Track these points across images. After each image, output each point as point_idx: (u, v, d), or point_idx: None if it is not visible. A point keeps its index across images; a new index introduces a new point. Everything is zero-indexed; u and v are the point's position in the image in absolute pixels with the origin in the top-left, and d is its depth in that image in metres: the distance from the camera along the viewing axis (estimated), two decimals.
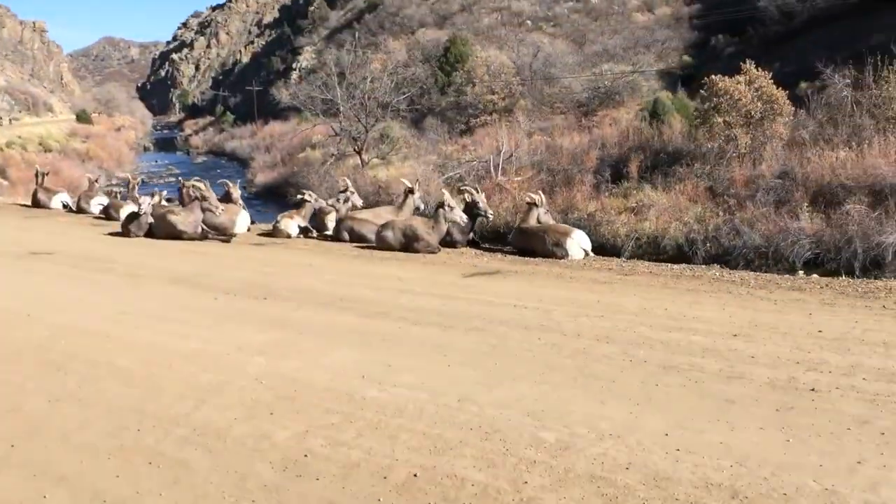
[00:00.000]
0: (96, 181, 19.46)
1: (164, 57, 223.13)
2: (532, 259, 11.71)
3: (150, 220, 14.04)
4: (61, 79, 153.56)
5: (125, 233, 14.37)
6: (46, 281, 10.22)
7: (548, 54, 41.31)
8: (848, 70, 25.24)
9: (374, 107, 32.95)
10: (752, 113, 22.29)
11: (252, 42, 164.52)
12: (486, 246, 14.40)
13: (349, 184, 16.02)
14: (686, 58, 46.17)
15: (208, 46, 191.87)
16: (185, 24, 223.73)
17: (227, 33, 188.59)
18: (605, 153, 26.16)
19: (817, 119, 23.72)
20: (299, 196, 15.82)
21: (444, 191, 13.83)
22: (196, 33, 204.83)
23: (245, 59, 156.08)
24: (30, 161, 41.47)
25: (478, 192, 13.44)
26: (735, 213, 19.29)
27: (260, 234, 15.18)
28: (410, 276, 10.21)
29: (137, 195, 16.43)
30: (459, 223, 12.56)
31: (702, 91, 23.81)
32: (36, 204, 19.07)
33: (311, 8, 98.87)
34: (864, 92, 23.00)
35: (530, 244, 12.26)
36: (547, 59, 40.70)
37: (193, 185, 13.87)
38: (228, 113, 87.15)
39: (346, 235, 13.84)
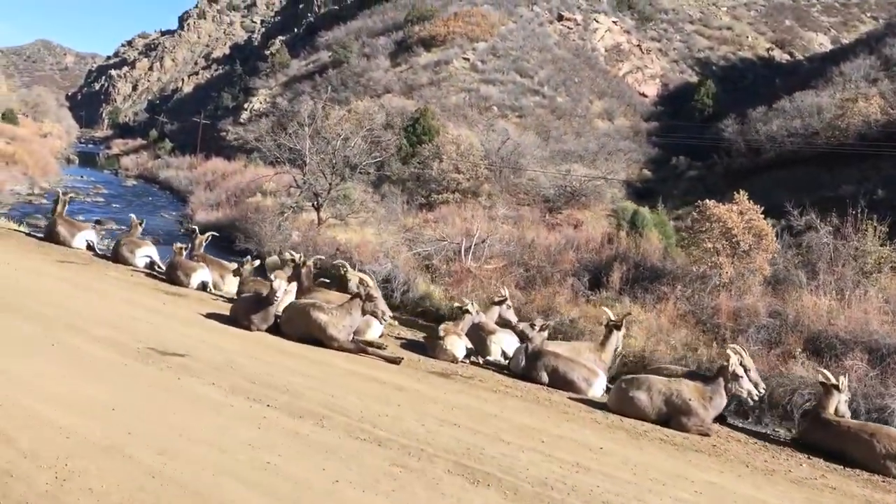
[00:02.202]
0: (141, 223, 14.58)
1: (102, 71, 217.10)
2: None
3: (277, 310, 10.32)
4: None
5: (241, 323, 10.42)
6: (243, 436, 6.24)
7: (517, 143, 41.02)
8: (827, 217, 25.49)
9: (343, 165, 31.63)
10: (741, 244, 22.00)
11: (197, 73, 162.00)
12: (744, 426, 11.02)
13: (506, 294, 12.92)
14: (646, 171, 46.85)
15: (150, 69, 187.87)
16: (130, 43, 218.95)
17: (173, 60, 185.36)
18: (580, 256, 25.47)
19: (794, 262, 23.68)
20: (456, 305, 12.03)
21: (730, 351, 9.82)
22: (140, 54, 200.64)
23: (187, 89, 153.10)
24: None
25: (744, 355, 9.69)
26: (725, 344, 18.63)
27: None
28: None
29: (247, 269, 12.71)
30: (748, 397, 9.21)
31: (693, 213, 23.43)
32: (53, 238, 14.61)
33: (270, 52, 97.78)
34: (846, 242, 23.12)
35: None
36: (515, 149, 40.38)
37: (361, 280, 10.25)
38: (167, 140, 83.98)
39: (543, 376, 10.31)
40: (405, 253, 25.82)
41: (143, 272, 13.07)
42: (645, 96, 69.46)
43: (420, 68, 60.77)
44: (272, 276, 10.74)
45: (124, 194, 54.71)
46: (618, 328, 11.18)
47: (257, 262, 12.87)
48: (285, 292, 10.46)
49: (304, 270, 12.17)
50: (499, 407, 8.41)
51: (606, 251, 25.57)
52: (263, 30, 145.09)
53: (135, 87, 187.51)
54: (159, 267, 13.39)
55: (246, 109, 73.14)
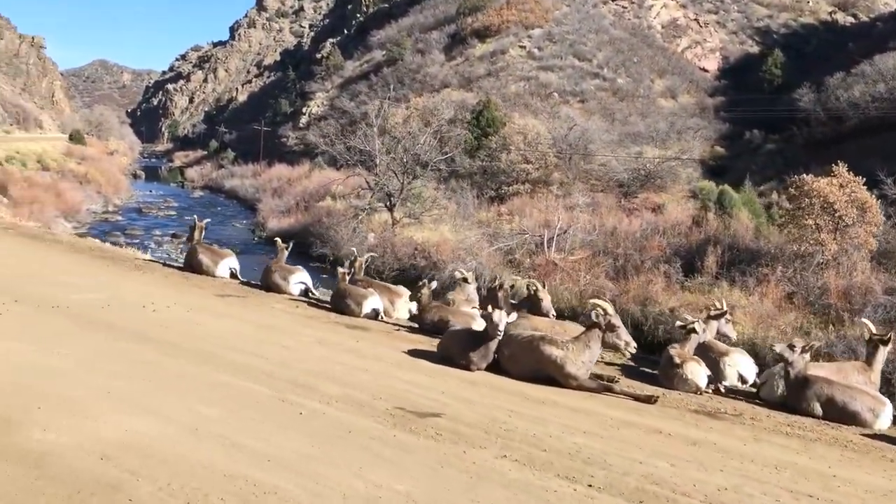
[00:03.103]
0: (287, 248, 12.70)
1: (159, 86, 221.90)
2: None
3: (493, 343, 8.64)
4: (53, 96, 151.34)
5: (458, 362, 8.69)
6: None
7: (583, 129, 40.11)
8: None
9: (414, 163, 31.26)
10: (844, 219, 20.90)
11: (250, 81, 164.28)
12: None
13: (724, 306, 10.47)
14: (718, 148, 45.40)
15: (205, 81, 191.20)
16: (184, 57, 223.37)
17: (226, 70, 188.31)
18: (668, 241, 24.60)
19: None
20: (679, 323, 9.92)
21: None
22: (194, 66, 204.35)
23: (241, 98, 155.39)
24: (31, 179, 39.05)
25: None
26: (839, 326, 17.69)
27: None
28: None
29: (426, 294, 10.74)
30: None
31: (790, 189, 22.32)
32: (195, 267, 13.10)
33: (322, 55, 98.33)
34: None
35: None
36: (583, 135, 39.48)
37: (598, 306, 8.42)
38: (229, 150, 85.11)
39: (816, 408, 8.20)
40: (487, 249, 25.30)
41: (303, 301, 11.39)
42: (706, 71, 67.53)
43: (476, 60, 60.15)
44: (489, 309, 8.90)
45: (193, 206, 55.40)
46: (884, 343, 9.09)
47: (434, 285, 10.96)
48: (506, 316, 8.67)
49: (500, 294, 10.26)
50: (819, 460, 6.51)
51: (695, 234, 24.68)
52: (312, 34, 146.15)
53: (191, 100, 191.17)
54: (312, 293, 12.06)
55: (304, 114, 73.56)
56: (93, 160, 60.92)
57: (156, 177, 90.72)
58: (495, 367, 8.68)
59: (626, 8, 72.12)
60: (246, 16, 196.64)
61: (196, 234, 12.99)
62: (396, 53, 67.64)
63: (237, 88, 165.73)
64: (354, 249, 13.06)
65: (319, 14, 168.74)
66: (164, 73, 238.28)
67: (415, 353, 9.04)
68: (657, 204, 33.30)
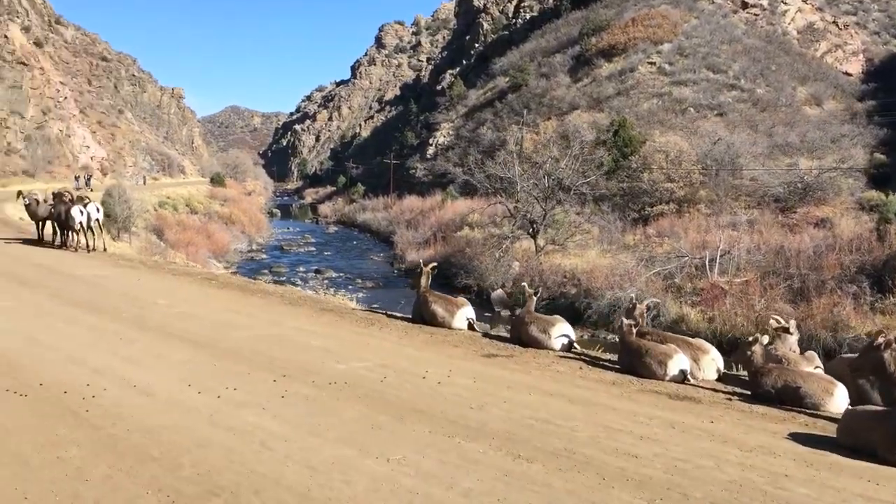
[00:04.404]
0: (536, 293, 10.12)
1: (287, 127, 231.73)
2: None
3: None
4: (192, 142, 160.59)
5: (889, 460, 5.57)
6: None
7: (728, 143, 38.03)
8: None
9: (556, 189, 30.39)
10: None
11: (372, 117, 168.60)
12: None
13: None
14: (878, 155, 42.07)
15: (330, 119, 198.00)
16: (309, 97, 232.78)
17: (349, 107, 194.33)
18: (846, 258, 22.51)
19: None
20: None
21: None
22: (319, 106, 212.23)
23: (365, 133, 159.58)
24: (183, 222, 40.73)
25: None
26: None
27: None
28: None
29: (758, 351, 7.72)
30: None
31: None
32: (428, 318, 10.89)
33: (443, 86, 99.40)
34: None
35: None
36: (729, 149, 37.42)
37: None
38: (359, 184, 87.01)
39: None
40: (644, 274, 24.00)
41: (575, 359, 8.85)
42: (849, 75, 63.47)
43: (604, 80, 58.83)
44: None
45: (330, 241, 56.59)
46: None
47: (765, 340, 7.85)
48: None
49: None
50: None
51: (878, 250, 22.49)
52: (431, 67, 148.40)
53: (317, 138, 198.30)
54: (575, 347, 9.61)
55: (431, 145, 74.23)
56: (234, 201, 63.48)
57: (288, 214, 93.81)
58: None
59: (758, 15, 68.96)
60: (366, 54, 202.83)
61: (423, 280, 11.18)
62: (520, 79, 67.27)
63: (360, 124, 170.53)
64: (634, 295, 10.10)
65: (437, 47, 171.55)
66: (291, 114, 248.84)
67: (799, 440, 6.00)
68: (819, 218, 30.92)
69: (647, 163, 36.73)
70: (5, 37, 64.79)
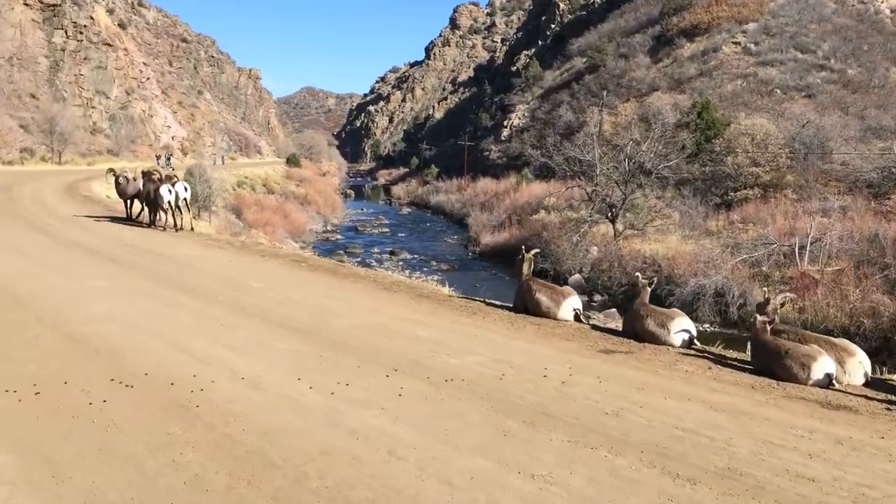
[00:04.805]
0: (650, 283, 9.03)
1: (361, 108, 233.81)
2: None
3: None
4: (268, 123, 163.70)
5: None
6: None
7: (818, 126, 36.50)
8: None
9: (637, 172, 29.74)
10: None
11: (445, 98, 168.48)
12: None
13: None
14: None
15: (403, 100, 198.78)
16: (383, 79, 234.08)
17: (423, 89, 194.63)
18: None
19: None
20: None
21: None
22: (393, 87, 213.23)
23: (438, 115, 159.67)
24: (260, 202, 41.48)
25: None
26: None
27: None
28: None
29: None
30: None
31: None
32: (529, 308, 9.92)
33: (517, 67, 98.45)
34: None
35: None
36: (818, 132, 35.92)
37: None
38: (432, 166, 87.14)
39: None
40: (729, 261, 23.28)
41: (699, 356, 7.94)
42: None
43: (685, 60, 57.28)
44: None
45: (403, 222, 56.88)
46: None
47: None
48: None
49: None
50: None
51: None
52: (506, 48, 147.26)
53: (391, 120, 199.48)
54: (695, 343, 8.61)
55: (505, 127, 73.68)
56: (309, 182, 64.43)
57: (361, 195, 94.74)
58: None
59: None
60: (440, 35, 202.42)
61: (525, 267, 10.22)
62: (598, 60, 66.11)
63: (434, 106, 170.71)
64: (766, 290, 8.90)
65: (511, 28, 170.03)
66: (365, 95, 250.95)
67: None
68: None
69: (732, 146, 35.59)
70: (91, 18, 66.91)
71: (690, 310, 22.13)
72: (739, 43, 56.10)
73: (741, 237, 27.55)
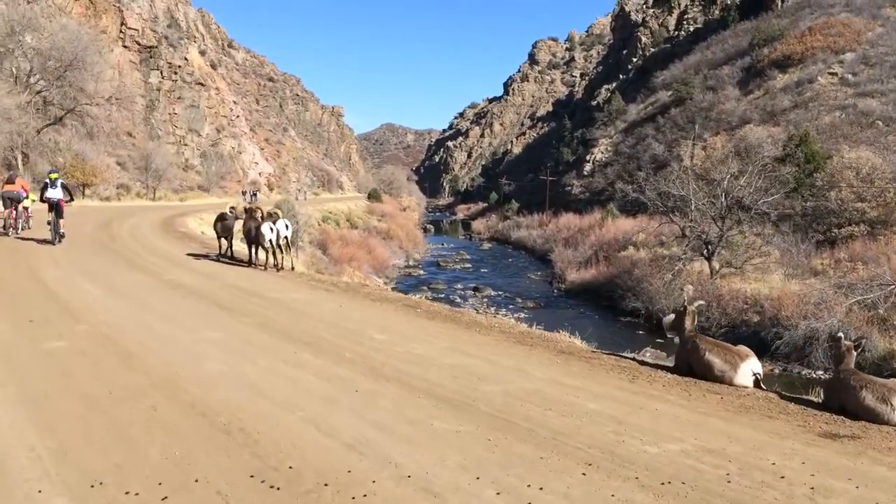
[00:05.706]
0: (857, 347, 7.17)
1: (439, 143, 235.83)
2: None
3: None
4: (349, 159, 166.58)
5: None
6: None
7: None
8: None
9: (735, 207, 28.34)
10: None
11: (524, 133, 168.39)
12: None
13: None
14: None
15: (482, 135, 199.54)
16: (461, 114, 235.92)
17: (501, 124, 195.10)
18: None
19: None
20: None
21: None
22: (471, 122, 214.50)
23: (516, 150, 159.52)
24: (345, 238, 41.45)
25: None
26: None
27: None
28: None
29: None
30: None
31: None
32: (695, 370, 8.21)
33: (598, 101, 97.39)
34: None
35: None
36: None
37: None
38: (512, 201, 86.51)
39: None
40: (842, 303, 21.68)
41: None
42: None
43: (778, 92, 55.27)
44: None
45: (485, 258, 56.20)
46: None
47: None
48: None
49: None
50: None
51: None
52: (585, 82, 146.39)
53: (469, 155, 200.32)
54: (762, 386, 7.63)
55: (587, 161, 72.59)
56: (390, 216, 64.55)
57: (439, 230, 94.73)
58: None
59: None
60: (519, 70, 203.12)
61: (689, 321, 8.62)
62: (684, 92, 64.59)
63: (512, 141, 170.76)
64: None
65: (591, 62, 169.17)
66: (443, 131, 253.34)
67: None
68: None
69: (834, 180, 33.75)
70: (185, 59, 69.23)
71: (802, 354, 20.69)
72: (836, 73, 53.85)
73: (851, 276, 25.78)
